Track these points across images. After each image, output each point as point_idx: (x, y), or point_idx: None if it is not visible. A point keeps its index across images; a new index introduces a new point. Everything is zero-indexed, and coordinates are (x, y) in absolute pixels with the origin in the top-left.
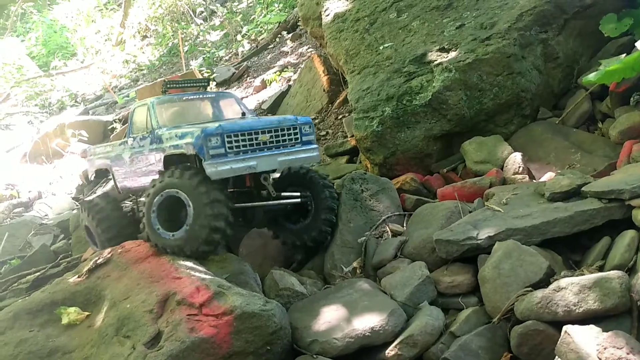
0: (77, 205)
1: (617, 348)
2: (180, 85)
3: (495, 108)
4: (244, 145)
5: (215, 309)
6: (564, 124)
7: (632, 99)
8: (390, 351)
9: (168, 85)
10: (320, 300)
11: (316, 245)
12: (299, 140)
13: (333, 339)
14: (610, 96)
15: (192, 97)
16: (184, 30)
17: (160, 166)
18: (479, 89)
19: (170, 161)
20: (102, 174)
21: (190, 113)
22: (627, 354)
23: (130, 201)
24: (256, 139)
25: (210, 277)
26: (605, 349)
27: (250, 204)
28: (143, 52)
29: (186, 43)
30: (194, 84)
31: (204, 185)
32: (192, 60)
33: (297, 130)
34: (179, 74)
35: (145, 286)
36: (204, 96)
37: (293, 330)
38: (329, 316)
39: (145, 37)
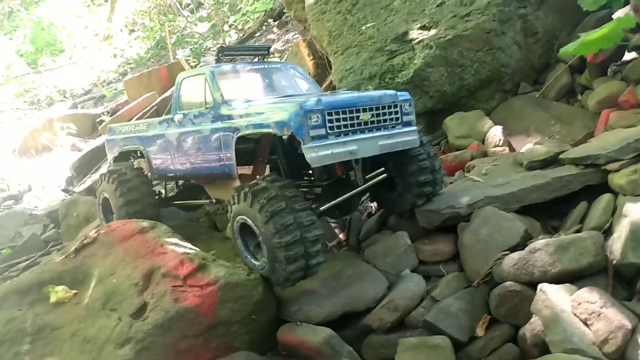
0: (66, 196)
1: (591, 303)
2: (238, 53)
3: (476, 84)
4: (345, 126)
5: (200, 280)
6: (544, 98)
7: (609, 69)
8: (373, 316)
9: (225, 52)
10: None
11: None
12: (400, 121)
13: (316, 307)
14: (588, 68)
15: (257, 66)
16: (171, 23)
17: (229, 149)
18: (460, 65)
19: (244, 141)
20: (126, 157)
21: (259, 85)
22: (601, 307)
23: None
24: (357, 117)
25: (194, 251)
26: (579, 304)
27: (342, 197)
28: (131, 46)
29: (173, 35)
30: (254, 52)
31: (266, 210)
32: (180, 50)
33: (398, 109)
34: (166, 65)
35: (131, 262)
36: (269, 66)
37: (279, 301)
38: (313, 286)
39: (132, 30)
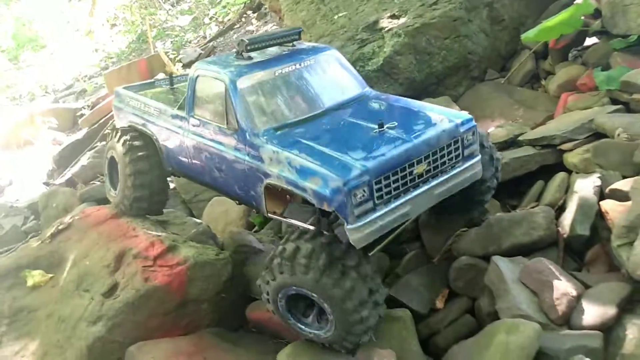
0: (47, 188)
1: (539, 272)
2: (264, 44)
3: (444, 71)
4: (396, 188)
5: (170, 260)
6: (509, 84)
7: (570, 54)
8: None
9: (249, 47)
10: None
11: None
12: (460, 157)
13: None
14: (550, 53)
15: (287, 68)
16: (152, 16)
17: (258, 189)
18: (428, 52)
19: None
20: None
21: (293, 98)
22: (548, 277)
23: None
24: (410, 173)
25: (165, 233)
26: (528, 274)
27: (391, 236)
28: (112, 41)
29: (154, 29)
30: (283, 40)
31: (340, 286)
32: (160, 42)
33: (459, 145)
34: (146, 58)
35: (104, 245)
36: (301, 63)
37: (249, 281)
38: None
39: (114, 25)
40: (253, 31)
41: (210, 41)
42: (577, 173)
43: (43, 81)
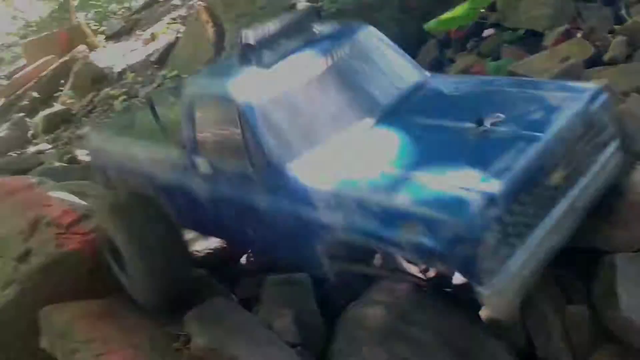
0: None
1: None
2: (278, 38)
3: None
4: (533, 213)
5: (82, 228)
6: None
7: (469, 44)
8: (247, 259)
9: (257, 49)
10: None
11: None
12: (596, 147)
13: (194, 251)
14: (452, 43)
15: (318, 66)
16: None
17: (314, 251)
18: None
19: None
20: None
21: (334, 106)
22: None
23: None
24: (545, 185)
25: (79, 203)
26: None
27: None
28: (32, 8)
29: None
30: (296, 26)
31: None
32: (84, 12)
33: (594, 132)
34: (66, 29)
35: (18, 213)
36: (335, 54)
37: None
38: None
39: None
40: (178, 5)
41: (134, 14)
42: None
43: None
